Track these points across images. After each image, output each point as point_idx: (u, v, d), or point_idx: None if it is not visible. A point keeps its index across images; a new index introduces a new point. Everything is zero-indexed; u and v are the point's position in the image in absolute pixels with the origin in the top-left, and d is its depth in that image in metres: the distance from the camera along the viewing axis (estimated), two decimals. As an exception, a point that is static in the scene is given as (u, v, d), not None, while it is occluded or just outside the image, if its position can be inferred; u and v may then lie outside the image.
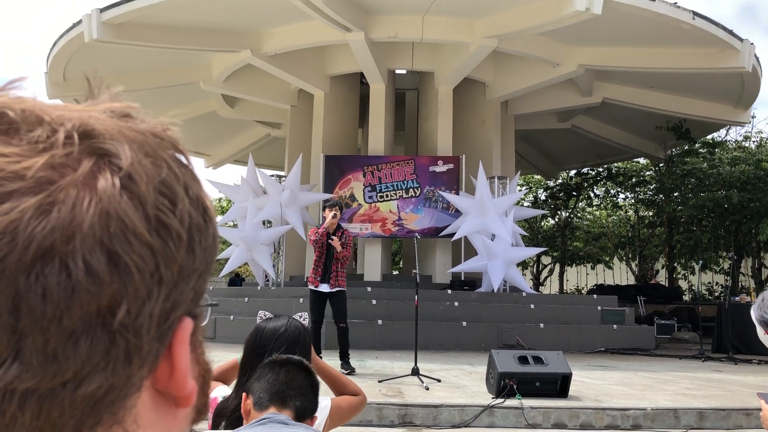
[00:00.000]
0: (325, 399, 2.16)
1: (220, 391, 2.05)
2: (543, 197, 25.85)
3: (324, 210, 7.70)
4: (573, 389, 6.25)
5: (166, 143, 0.42)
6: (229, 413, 1.75)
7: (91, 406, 0.36)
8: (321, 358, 7.90)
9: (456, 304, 11.63)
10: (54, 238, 0.35)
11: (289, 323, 1.95)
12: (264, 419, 1.51)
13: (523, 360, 6.13)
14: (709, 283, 23.34)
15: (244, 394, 1.61)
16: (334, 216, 7.43)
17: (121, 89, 0.44)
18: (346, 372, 7.27)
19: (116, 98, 0.43)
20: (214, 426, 1.82)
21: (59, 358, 0.35)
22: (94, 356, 0.36)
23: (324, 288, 7.57)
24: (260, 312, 2.35)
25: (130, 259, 0.37)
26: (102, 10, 11.96)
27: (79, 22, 12.50)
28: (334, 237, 7.48)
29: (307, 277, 13.25)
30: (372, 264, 14.15)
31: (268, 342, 1.87)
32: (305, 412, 1.60)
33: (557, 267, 26.42)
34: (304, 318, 2.24)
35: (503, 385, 5.87)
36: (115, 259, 0.36)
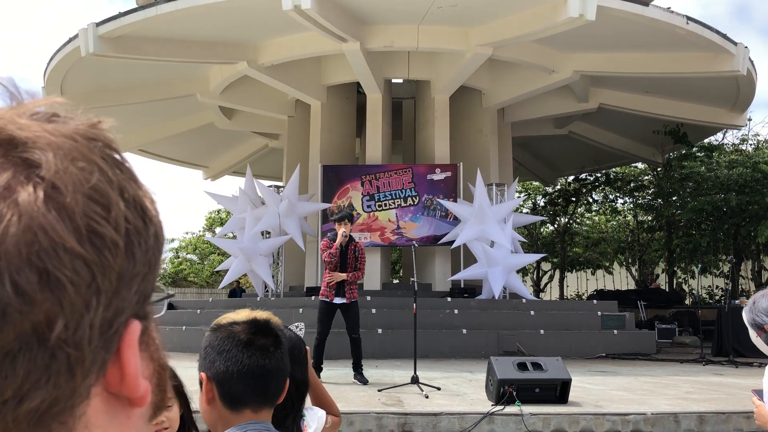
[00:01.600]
0: (320, 410, 2.16)
1: None
2: (542, 203, 25.88)
3: (335, 224, 7.51)
4: (574, 395, 6.24)
5: (98, 143, 0.40)
6: None
7: (36, 420, 0.36)
8: (322, 369, 7.83)
9: (456, 311, 11.62)
10: None
11: (285, 334, 1.94)
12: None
13: (522, 366, 6.12)
14: (710, 286, 23.33)
15: (203, 375, 1.40)
16: (344, 235, 7.32)
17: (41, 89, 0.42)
18: (360, 383, 7.27)
19: (41, 98, 0.41)
20: None
21: None
22: (34, 373, 0.35)
23: (339, 300, 7.48)
24: None
25: (62, 275, 0.35)
26: (98, 24, 12.01)
27: (76, 36, 12.55)
28: (333, 273, 7.40)
29: (307, 287, 13.31)
30: (371, 273, 14.13)
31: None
32: (278, 396, 1.45)
33: (557, 273, 26.41)
34: (300, 329, 2.24)
35: (503, 392, 5.86)
36: (46, 277, 0.35)
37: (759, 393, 2.33)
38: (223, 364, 1.38)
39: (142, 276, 0.40)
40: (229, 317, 1.46)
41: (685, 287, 22.55)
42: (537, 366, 6.14)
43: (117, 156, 0.41)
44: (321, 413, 2.15)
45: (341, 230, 7.32)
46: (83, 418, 0.38)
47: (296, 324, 2.38)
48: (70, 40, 13.05)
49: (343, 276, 7.37)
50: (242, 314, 1.47)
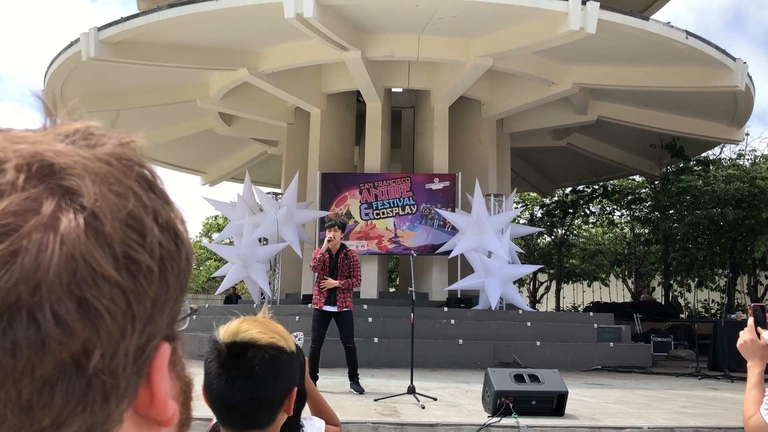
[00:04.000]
0: (319, 420, 2.15)
1: None
2: (539, 215, 25.92)
3: (324, 231, 7.64)
4: (569, 407, 6.24)
5: (132, 164, 0.40)
6: None
7: None
8: (318, 377, 7.80)
9: (452, 321, 11.60)
10: (19, 290, 0.34)
11: None
12: None
13: (519, 378, 6.11)
14: (705, 300, 23.34)
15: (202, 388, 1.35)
16: (329, 240, 7.36)
17: (77, 101, 0.41)
18: (356, 393, 7.25)
19: (74, 115, 0.41)
20: None
21: (35, 407, 0.34)
22: (71, 402, 0.35)
23: (330, 308, 7.48)
24: None
25: (101, 304, 0.35)
26: (100, 29, 12.04)
27: (77, 40, 12.57)
28: (327, 278, 7.39)
29: (303, 295, 13.29)
30: (368, 281, 14.13)
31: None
32: (265, 422, 1.35)
33: (554, 284, 26.42)
34: (299, 339, 2.23)
35: (499, 404, 5.85)
36: (85, 306, 0.35)
37: (758, 311, 2.08)
38: (203, 386, 1.32)
39: (174, 300, 0.40)
40: (223, 329, 1.35)
41: (681, 301, 22.58)
42: (534, 378, 6.14)
43: (150, 177, 0.41)
44: (320, 423, 2.13)
45: (327, 236, 7.38)
46: None
47: (295, 334, 2.37)
48: (72, 44, 13.07)
49: (336, 283, 7.36)
50: (231, 327, 1.32)
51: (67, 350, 0.35)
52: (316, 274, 7.51)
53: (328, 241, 7.35)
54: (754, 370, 2.01)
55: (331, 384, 7.91)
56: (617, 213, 25.08)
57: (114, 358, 0.36)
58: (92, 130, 0.40)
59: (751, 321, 2.05)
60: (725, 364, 10.90)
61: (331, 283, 7.35)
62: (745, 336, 2.05)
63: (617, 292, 27.14)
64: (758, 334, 2.02)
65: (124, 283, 0.36)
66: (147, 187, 0.40)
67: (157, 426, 0.42)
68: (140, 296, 0.37)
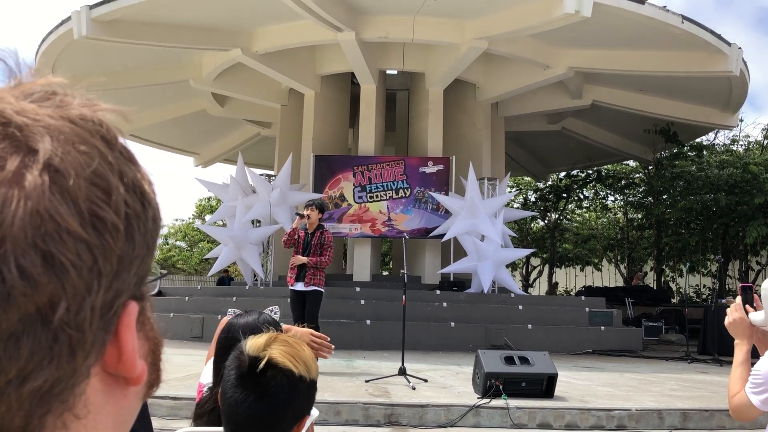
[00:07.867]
0: (313, 409, 2.13)
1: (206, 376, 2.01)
2: (533, 199, 25.94)
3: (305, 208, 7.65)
4: (560, 390, 6.28)
5: (97, 125, 0.40)
6: (209, 413, 1.73)
7: (39, 399, 0.36)
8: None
9: (444, 304, 11.64)
10: None
11: (260, 318, 1.95)
12: None
13: (509, 360, 6.14)
14: (697, 285, 23.49)
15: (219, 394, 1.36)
16: (302, 216, 7.38)
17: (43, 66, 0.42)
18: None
19: (39, 75, 0.41)
20: (197, 425, 1.79)
21: (1, 360, 0.35)
22: (37, 354, 0.36)
23: (299, 286, 7.52)
24: (229, 309, 2.32)
25: (66, 258, 0.36)
26: (92, 7, 11.90)
27: (68, 18, 12.43)
28: (297, 256, 7.47)
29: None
30: (361, 264, 14.15)
31: (240, 337, 1.85)
32: None
33: (546, 268, 26.51)
34: (275, 312, 2.24)
35: (489, 385, 5.88)
36: (50, 260, 0.36)
37: (745, 290, 2.10)
38: (220, 391, 1.33)
39: (140, 259, 0.41)
40: (252, 340, 1.34)
41: (672, 286, 22.70)
42: (524, 360, 6.17)
43: (115, 139, 0.42)
44: (314, 411, 2.12)
45: (304, 213, 7.42)
46: (83, 397, 0.39)
47: (271, 308, 2.41)
48: (63, 22, 12.93)
49: (304, 259, 7.39)
50: (258, 342, 1.32)
51: (33, 303, 0.35)
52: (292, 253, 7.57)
53: (305, 217, 7.38)
54: (741, 349, 2.06)
55: (321, 365, 7.92)
56: (610, 198, 25.14)
57: (80, 313, 0.37)
58: (55, 88, 0.41)
59: (739, 300, 2.10)
60: (715, 348, 10.99)
61: (299, 259, 7.42)
62: (733, 314, 2.09)
63: (609, 276, 27.27)
64: (746, 313, 2.06)
65: (89, 239, 0.37)
66: (112, 148, 0.41)
67: (125, 384, 0.43)
68: (106, 253, 0.38)
